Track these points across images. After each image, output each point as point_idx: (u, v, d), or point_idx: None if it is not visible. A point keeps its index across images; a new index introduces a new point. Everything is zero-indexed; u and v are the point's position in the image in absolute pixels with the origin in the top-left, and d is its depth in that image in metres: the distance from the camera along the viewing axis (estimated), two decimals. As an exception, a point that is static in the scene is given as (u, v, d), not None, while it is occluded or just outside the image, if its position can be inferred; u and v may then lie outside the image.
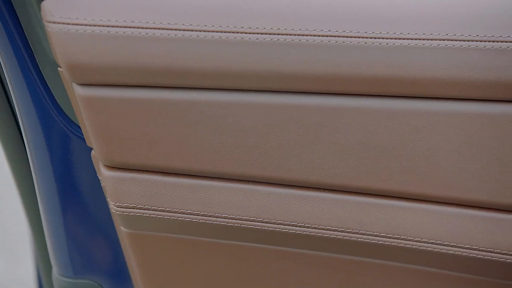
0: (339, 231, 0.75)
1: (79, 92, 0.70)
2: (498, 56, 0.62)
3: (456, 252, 0.73)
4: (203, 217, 0.77)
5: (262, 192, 0.75)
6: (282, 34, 0.64)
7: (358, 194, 0.73)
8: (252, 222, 0.76)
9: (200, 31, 0.65)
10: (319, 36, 0.64)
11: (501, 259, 0.72)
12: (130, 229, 0.81)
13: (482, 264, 0.73)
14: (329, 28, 0.64)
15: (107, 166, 0.77)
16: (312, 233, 0.75)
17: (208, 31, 0.65)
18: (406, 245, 0.74)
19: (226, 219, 0.77)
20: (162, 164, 0.74)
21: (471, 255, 0.72)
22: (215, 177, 0.75)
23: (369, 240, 0.74)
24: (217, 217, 0.77)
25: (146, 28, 0.65)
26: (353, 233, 0.74)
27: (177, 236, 0.80)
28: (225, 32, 0.64)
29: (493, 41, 0.62)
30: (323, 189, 0.74)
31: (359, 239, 0.75)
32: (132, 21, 0.65)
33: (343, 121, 0.68)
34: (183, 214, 0.77)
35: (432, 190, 0.70)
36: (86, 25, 0.65)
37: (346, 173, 0.71)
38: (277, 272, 0.83)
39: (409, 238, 0.73)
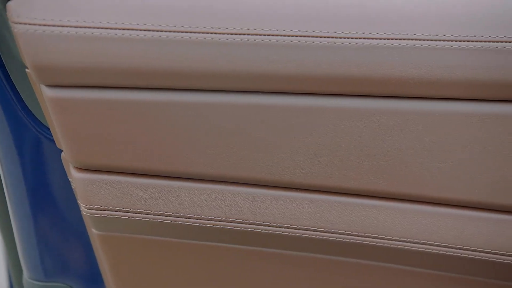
0: (311, 231, 0.75)
1: (47, 93, 0.69)
2: (466, 56, 0.63)
3: (427, 250, 0.73)
4: (175, 218, 0.76)
5: (234, 192, 0.74)
6: (252, 35, 0.64)
7: (330, 193, 0.73)
8: (224, 223, 0.76)
9: (169, 31, 0.64)
10: (289, 36, 0.64)
11: (470, 256, 0.72)
12: (101, 231, 0.80)
13: (453, 261, 0.74)
14: (299, 28, 0.64)
15: (77, 168, 0.76)
16: (284, 233, 0.75)
17: (178, 32, 0.64)
18: (378, 244, 0.74)
19: (198, 220, 0.76)
20: (132, 165, 0.73)
21: (441, 252, 0.73)
22: (186, 178, 0.74)
23: (342, 239, 0.75)
24: (189, 217, 0.76)
25: (115, 28, 0.64)
26: (325, 232, 0.75)
27: (148, 237, 0.80)
28: (194, 32, 0.64)
29: (461, 41, 0.62)
30: (295, 188, 0.74)
31: (331, 238, 0.75)
32: (100, 22, 0.64)
33: (314, 121, 0.68)
34: (154, 215, 0.76)
35: (403, 188, 0.71)
36: (53, 25, 0.64)
37: (318, 173, 0.71)
38: (250, 272, 0.83)
39: (380, 236, 0.74)
